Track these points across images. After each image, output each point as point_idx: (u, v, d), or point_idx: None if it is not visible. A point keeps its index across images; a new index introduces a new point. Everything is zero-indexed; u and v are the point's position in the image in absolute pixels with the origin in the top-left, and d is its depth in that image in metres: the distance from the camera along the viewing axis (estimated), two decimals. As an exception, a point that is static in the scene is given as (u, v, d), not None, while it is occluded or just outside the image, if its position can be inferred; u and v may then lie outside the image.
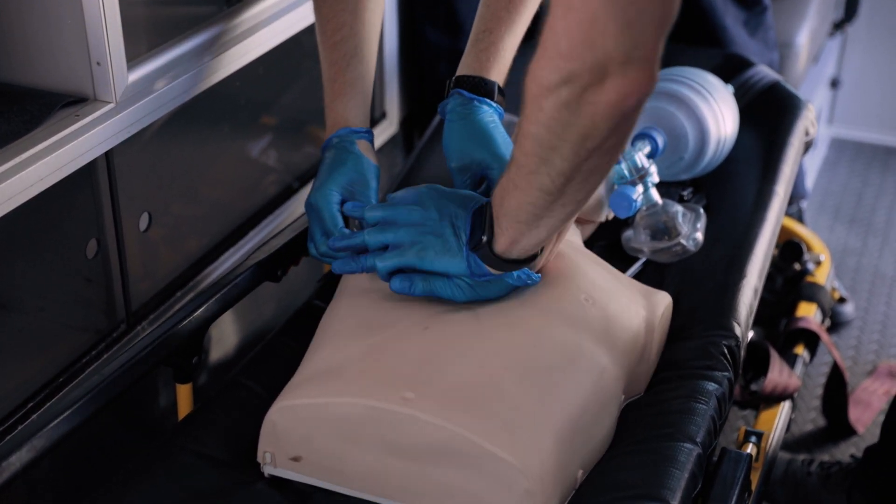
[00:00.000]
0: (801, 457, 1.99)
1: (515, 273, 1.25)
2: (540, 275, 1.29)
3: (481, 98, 1.40)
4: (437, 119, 1.89)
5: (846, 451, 2.15)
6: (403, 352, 1.23)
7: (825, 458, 2.13)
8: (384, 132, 2.07)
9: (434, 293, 1.26)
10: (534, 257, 1.24)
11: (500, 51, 1.41)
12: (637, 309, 1.34)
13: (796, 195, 2.49)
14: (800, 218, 2.51)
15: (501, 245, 1.21)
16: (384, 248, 1.28)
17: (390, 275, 1.27)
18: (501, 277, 1.25)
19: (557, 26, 1.00)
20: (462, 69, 1.43)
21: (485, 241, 1.21)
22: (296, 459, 1.20)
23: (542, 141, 1.07)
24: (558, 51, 1.00)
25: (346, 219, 1.39)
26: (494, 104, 1.41)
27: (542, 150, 1.08)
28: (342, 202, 1.38)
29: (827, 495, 1.90)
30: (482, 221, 1.22)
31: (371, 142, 1.45)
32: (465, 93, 1.41)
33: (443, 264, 1.25)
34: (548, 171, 1.10)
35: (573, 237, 1.46)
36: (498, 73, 1.42)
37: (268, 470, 1.22)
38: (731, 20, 2.12)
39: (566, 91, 1.02)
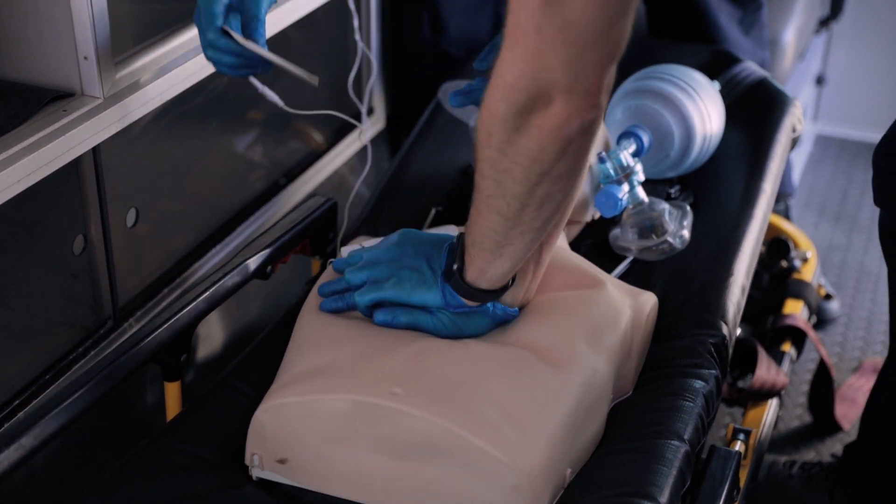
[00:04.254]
0: (783, 459, 2.00)
1: (491, 308, 1.27)
2: (517, 309, 1.31)
3: None
4: (424, 117, 1.89)
5: (832, 448, 2.15)
6: (390, 350, 1.23)
7: (811, 454, 2.14)
8: (372, 127, 2.07)
9: (417, 326, 1.28)
10: (504, 288, 1.26)
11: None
12: (623, 308, 1.34)
13: (784, 192, 2.49)
14: (787, 215, 2.52)
15: (471, 274, 1.23)
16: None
17: (371, 309, 1.29)
18: (480, 311, 1.27)
19: (505, 58, 1.05)
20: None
21: (456, 270, 1.24)
22: (282, 462, 1.20)
23: (495, 164, 1.12)
24: (505, 82, 1.05)
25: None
26: None
27: (497, 173, 1.12)
28: (229, 7, 1.33)
29: (809, 497, 1.91)
30: (455, 252, 1.25)
31: None
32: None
33: (419, 296, 1.27)
34: (503, 195, 1.14)
35: (559, 239, 1.46)
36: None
37: (255, 473, 1.21)
38: (726, 18, 2.12)
39: (513, 118, 1.07)
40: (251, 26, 1.34)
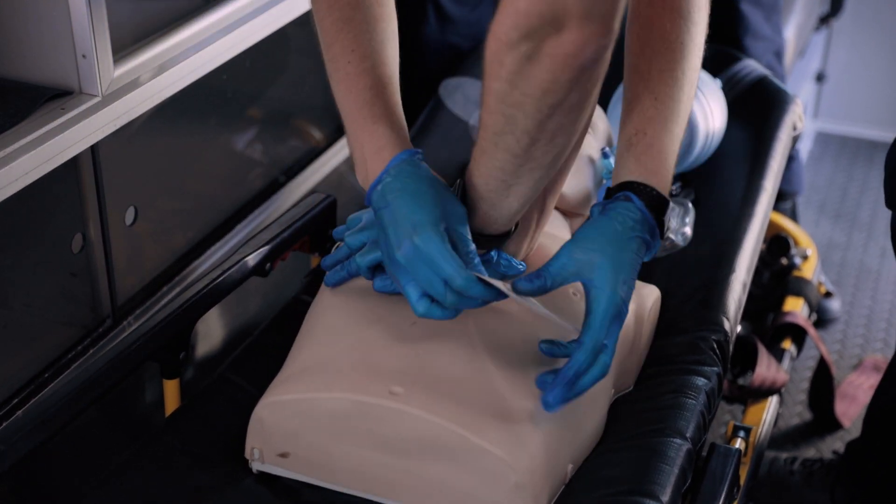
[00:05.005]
0: (784, 455, 2.00)
1: (495, 257, 1.23)
2: (524, 263, 1.28)
3: (650, 219, 1.22)
4: (424, 114, 1.88)
5: (832, 445, 2.15)
6: (391, 347, 1.22)
7: (811, 452, 2.14)
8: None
9: None
10: (508, 234, 1.23)
11: (662, 154, 1.25)
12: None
13: (791, 191, 2.48)
14: (793, 214, 2.51)
15: (474, 219, 1.20)
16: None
17: (373, 272, 1.26)
18: (485, 262, 1.23)
19: None
20: (625, 175, 1.25)
21: None
22: (283, 455, 1.20)
23: (504, 97, 1.06)
24: (517, 8, 1.01)
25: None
26: (656, 241, 1.23)
27: (506, 106, 1.07)
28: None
29: (810, 493, 1.91)
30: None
31: None
32: (637, 200, 1.22)
33: None
34: (512, 130, 1.09)
35: (561, 232, 1.46)
36: (664, 182, 1.25)
37: (256, 466, 1.21)
38: (749, 4, 2.10)
39: (525, 45, 1.02)
40: (467, 254, 1.18)
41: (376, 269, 1.26)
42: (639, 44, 1.27)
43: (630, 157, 1.25)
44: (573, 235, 1.21)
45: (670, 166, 1.26)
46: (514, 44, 1.02)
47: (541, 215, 1.27)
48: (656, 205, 1.22)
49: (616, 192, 1.24)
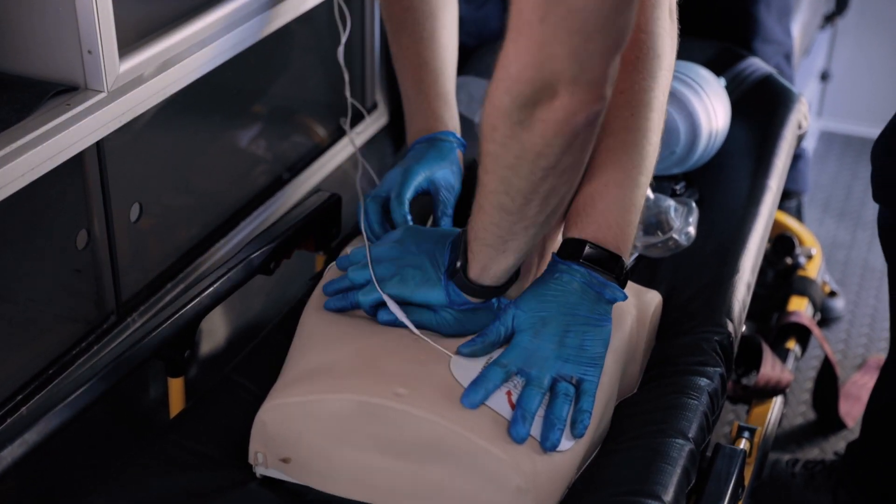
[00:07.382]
0: (786, 457, 1.99)
1: (496, 304, 1.26)
2: None
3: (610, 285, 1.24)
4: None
5: (836, 445, 2.15)
6: (394, 352, 1.22)
7: (815, 452, 2.14)
8: (376, 122, 2.06)
9: (420, 325, 1.27)
10: (509, 284, 1.25)
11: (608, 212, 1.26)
12: (628, 308, 1.33)
13: (797, 190, 2.47)
14: (798, 213, 2.50)
15: (474, 271, 1.22)
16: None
17: (375, 308, 1.28)
18: (485, 308, 1.26)
19: (509, 50, 1.03)
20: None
21: (459, 267, 1.23)
22: (286, 461, 1.19)
23: (499, 159, 1.10)
24: (508, 74, 1.03)
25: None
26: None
27: (501, 168, 1.11)
28: (417, 195, 1.45)
29: (812, 495, 1.90)
30: (458, 249, 1.24)
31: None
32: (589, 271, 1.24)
33: (423, 295, 1.26)
34: (506, 190, 1.12)
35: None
36: (614, 238, 1.25)
37: (259, 470, 1.21)
38: (763, 5, 2.09)
39: (517, 112, 1.05)
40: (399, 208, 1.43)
41: (377, 307, 1.28)
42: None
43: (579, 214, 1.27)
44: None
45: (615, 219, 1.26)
46: (507, 109, 1.05)
47: (540, 259, 1.30)
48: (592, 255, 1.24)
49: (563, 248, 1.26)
